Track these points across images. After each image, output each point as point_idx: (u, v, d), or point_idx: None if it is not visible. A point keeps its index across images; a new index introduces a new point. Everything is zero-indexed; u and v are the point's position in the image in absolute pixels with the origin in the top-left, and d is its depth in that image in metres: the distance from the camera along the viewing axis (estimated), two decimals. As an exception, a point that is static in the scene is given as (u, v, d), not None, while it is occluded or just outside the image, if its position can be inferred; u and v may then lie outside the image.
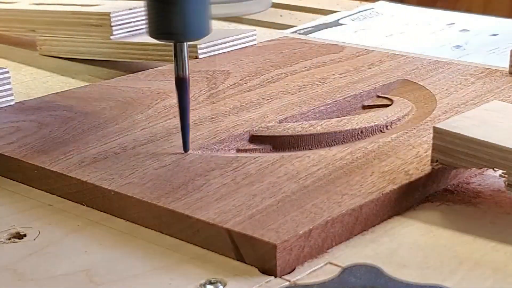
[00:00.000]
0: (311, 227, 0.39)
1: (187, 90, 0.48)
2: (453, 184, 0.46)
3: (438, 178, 0.45)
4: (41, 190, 0.48)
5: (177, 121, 0.54)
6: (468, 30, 0.89)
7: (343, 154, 0.48)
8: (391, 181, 0.44)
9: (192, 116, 0.55)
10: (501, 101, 0.56)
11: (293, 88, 0.61)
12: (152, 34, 0.47)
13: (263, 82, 0.63)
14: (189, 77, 0.48)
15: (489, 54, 0.78)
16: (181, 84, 0.48)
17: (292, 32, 0.89)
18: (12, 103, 0.60)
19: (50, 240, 0.42)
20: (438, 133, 0.44)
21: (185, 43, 0.47)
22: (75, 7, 0.77)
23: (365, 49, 0.72)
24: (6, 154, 0.50)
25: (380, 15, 0.98)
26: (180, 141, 0.50)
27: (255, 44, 0.75)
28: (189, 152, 0.49)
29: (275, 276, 0.38)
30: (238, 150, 0.51)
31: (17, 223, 0.44)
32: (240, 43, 0.74)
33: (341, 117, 0.55)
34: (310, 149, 0.51)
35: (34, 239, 0.42)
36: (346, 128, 0.52)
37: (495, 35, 0.87)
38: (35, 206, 0.46)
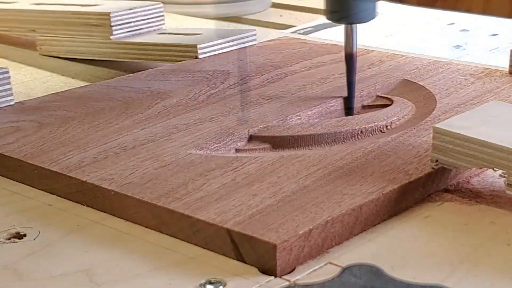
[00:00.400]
0: (311, 227, 0.39)
1: (355, 64, 0.57)
2: (453, 184, 0.46)
3: (438, 178, 0.45)
4: (41, 190, 0.48)
5: (176, 121, 0.54)
6: (468, 30, 0.89)
7: (343, 154, 0.48)
8: (391, 181, 0.44)
9: (192, 116, 0.55)
10: (501, 101, 0.56)
11: (293, 88, 0.61)
12: (328, 17, 0.56)
13: (263, 82, 0.63)
14: (356, 54, 0.57)
15: (489, 54, 0.78)
16: (350, 59, 0.57)
17: (292, 32, 0.89)
18: (12, 103, 0.60)
19: (50, 240, 0.42)
20: (438, 133, 0.44)
21: (355, 24, 0.56)
22: (75, 7, 0.78)
23: (365, 49, 0.72)
24: (6, 154, 0.50)
25: (380, 15, 0.98)
26: (180, 140, 0.50)
27: (255, 44, 0.75)
28: (189, 152, 0.49)
29: (275, 276, 0.38)
30: (238, 150, 0.51)
31: (17, 223, 0.44)
32: (240, 43, 0.74)
33: (341, 117, 0.56)
34: (310, 149, 0.51)
35: (34, 239, 0.42)
36: (346, 128, 0.52)
37: (495, 35, 0.87)
38: (35, 206, 0.46)
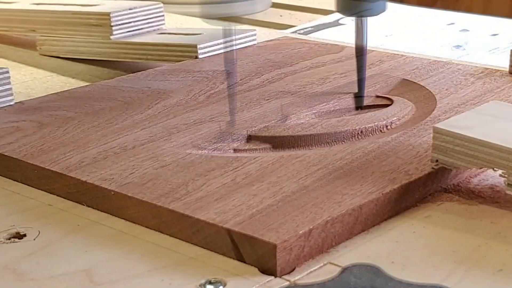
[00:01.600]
0: (311, 227, 0.39)
1: (365, 55, 0.59)
2: (453, 184, 0.46)
3: (438, 178, 0.45)
4: (41, 190, 0.48)
5: (176, 121, 0.54)
6: (468, 30, 0.89)
7: (343, 154, 0.48)
8: (391, 181, 0.44)
9: (192, 116, 0.55)
10: (501, 101, 0.56)
11: (293, 88, 0.61)
12: (340, 11, 0.58)
13: (263, 82, 0.63)
14: (366, 46, 0.59)
15: (489, 54, 0.78)
16: (360, 52, 0.58)
17: (292, 32, 0.89)
18: (12, 103, 0.60)
19: (50, 240, 0.42)
20: (438, 133, 0.44)
21: (366, 18, 0.58)
22: (75, 7, 0.78)
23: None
24: (6, 154, 0.50)
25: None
26: (180, 140, 0.50)
27: (255, 44, 0.75)
28: (189, 152, 0.49)
29: (275, 276, 0.38)
30: (236, 150, 0.51)
31: (17, 223, 0.44)
32: (240, 43, 0.74)
33: (341, 117, 0.56)
34: (310, 149, 0.51)
35: (34, 239, 0.42)
36: (346, 128, 0.52)
37: (495, 35, 0.87)
38: (35, 206, 0.46)
